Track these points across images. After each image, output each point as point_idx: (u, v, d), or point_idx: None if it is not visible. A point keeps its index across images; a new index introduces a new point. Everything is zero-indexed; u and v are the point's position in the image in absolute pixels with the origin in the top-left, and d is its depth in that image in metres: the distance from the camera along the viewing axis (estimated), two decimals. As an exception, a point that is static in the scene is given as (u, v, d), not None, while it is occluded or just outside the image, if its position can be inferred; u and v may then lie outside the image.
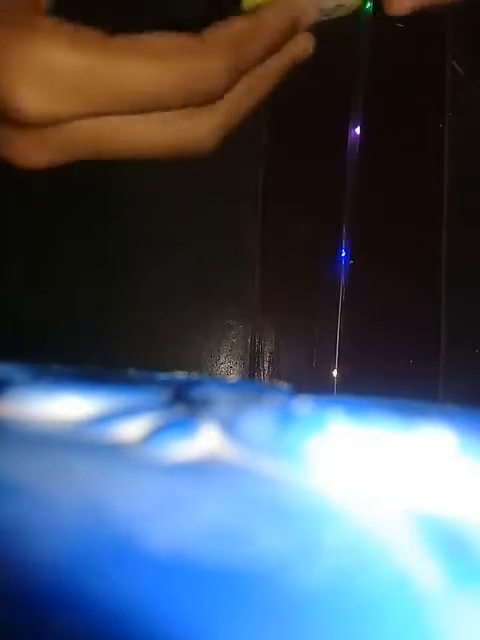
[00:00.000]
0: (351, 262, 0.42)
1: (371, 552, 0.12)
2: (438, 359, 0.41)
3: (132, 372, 0.20)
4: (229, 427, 0.15)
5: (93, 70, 0.23)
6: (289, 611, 0.11)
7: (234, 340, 0.42)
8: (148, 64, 0.24)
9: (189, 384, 0.18)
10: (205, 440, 0.15)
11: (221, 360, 0.42)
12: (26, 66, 0.22)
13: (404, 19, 0.32)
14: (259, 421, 0.15)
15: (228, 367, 0.42)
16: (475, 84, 0.42)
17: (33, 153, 0.25)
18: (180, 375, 0.20)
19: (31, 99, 0.23)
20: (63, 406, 0.16)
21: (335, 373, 0.42)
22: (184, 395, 0.17)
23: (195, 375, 0.20)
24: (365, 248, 0.42)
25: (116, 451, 0.15)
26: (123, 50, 0.24)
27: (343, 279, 0.42)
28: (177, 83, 0.25)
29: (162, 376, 0.19)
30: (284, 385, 0.20)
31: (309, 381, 0.42)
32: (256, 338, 0.42)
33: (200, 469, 0.14)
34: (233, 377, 0.42)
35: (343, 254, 0.42)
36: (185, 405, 0.17)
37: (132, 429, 0.16)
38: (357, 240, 0.38)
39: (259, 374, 0.42)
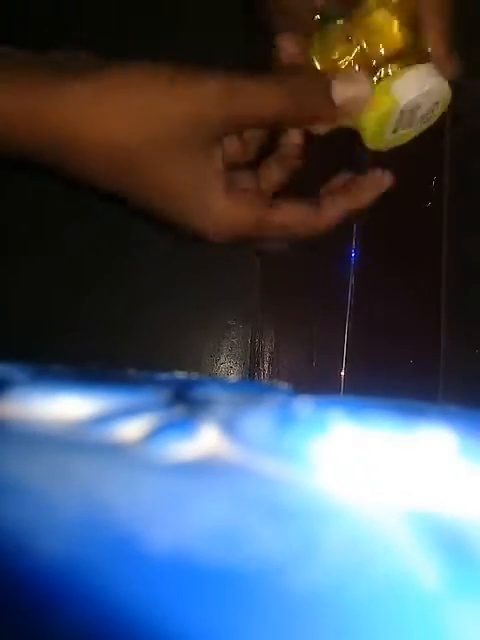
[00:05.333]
0: (353, 263, 0.42)
1: (371, 552, 0.12)
2: (438, 359, 0.41)
3: (132, 372, 0.20)
4: (229, 427, 0.15)
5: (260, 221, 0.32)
6: (289, 611, 0.11)
7: (234, 340, 0.42)
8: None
9: (189, 384, 0.18)
10: (205, 440, 0.15)
11: (221, 360, 0.42)
12: (209, 220, 0.31)
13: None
14: (259, 421, 0.15)
15: (228, 367, 0.42)
16: (475, 84, 0.42)
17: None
18: (180, 375, 0.20)
19: (215, 238, 0.32)
20: (63, 406, 0.16)
21: (335, 373, 0.42)
22: (184, 395, 0.17)
23: (195, 375, 0.20)
24: (366, 249, 0.42)
25: (116, 451, 0.15)
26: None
27: (346, 279, 0.42)
28: None
29: (162, 376, 0.19)
30: (284, 385, 0.20)
31: (309, 381, 0.42)
32: (256, 338, 0.42)
33: (200, 469, 0.14)
34: (233, 377, 0.42)
35: (353, 255, 0.42)
36: (185, 405, 0.17)
37: (132, 429, 0.16)
38: (358, 240, 0.38)
39: (259, 374, 0.42)
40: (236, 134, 0.32)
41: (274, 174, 0.34)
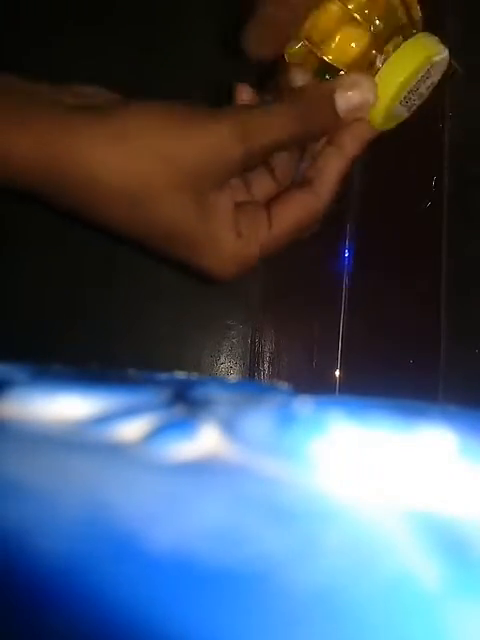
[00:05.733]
0: (353, 262, 0.42)
1: (371, 552, 0.12)
2: (438, 359, 0.41)
3: (132, 372, 0.20)
4: (229, 427, 0.15)
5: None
6: (289, 611, 0.11)
7: (234, 340, 0.42)
8: None
9: (189, 384, 0.18)
10: (205, 440, 0.15)
11: (221, 360, 0.42)
12: (219, 261, 0.31)
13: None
14: (259, 421, 0.15)
15: (228, 367, 0.42)
16: (475, 84, 0.42)
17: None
18: (180, 375, 0.20)
19: (222, 277, 0.32)
20: (63, 406, 0.16)
21: (335, 373, 0.42)
22: (184, 395, 0.17)
23: (195, 375, 0.20)
24: (366, 248, 0.42)
25: (116, 451, 0.15)
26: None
27: (346, 279, 0.42)
28: None
29: (162, 376, 0.19)
30: (284, 385, 0.20)
31: (309, 381, 0.42)
32: (256, 338, 0.42)
33: (200, 469, 0.14)
34: (233, 377, 0.42)
35: (346, 254, 0.42)
36: (185, 405, 0.17)
37: (132, 429, 0.16)
38: (358, 240, 0.38)
39: (259, 374, 0.42)
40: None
41: (268, 183, 0.34)
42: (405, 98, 0.32)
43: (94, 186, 0.28)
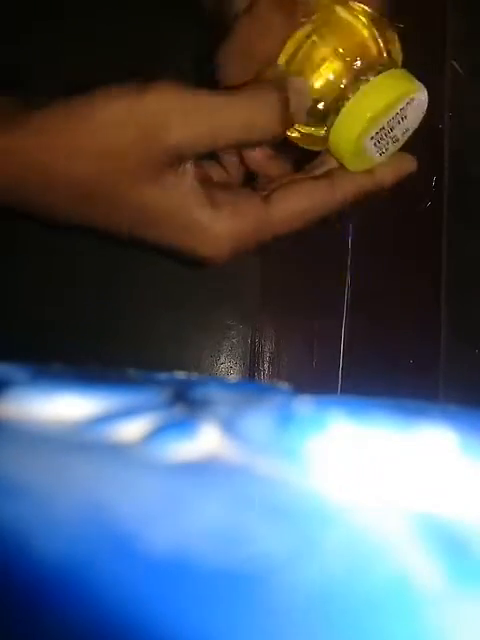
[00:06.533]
0: (353, 262, 0.42)
1: (371, 552, 0.12)
2: (438, 359, 0.41)
3: (132, 372, 0.20)
4: (229, 427, 0.15)
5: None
6: (289, 611, 0.11)
7: (234, 340, 0.42)
8: None
9: (189, 384, 0.18)
10: (205, 440, 0.15)
11: (221, 360, 0.42)
12: (204, 239, 0.30)
13: (404, 19, 0.32)
14: (259, 421, 0.15)
15: (228, 367, 0.42)
16: (475, 84, 0.42)
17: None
18: (180, 375, 0.20)
19: (215, 256, 0.30)
20: (63, 406, 0.16)
21: (335, 373, 0.42)
22: (184, 395, 0.17)
23: (195, 375, 0.20)
24: (366, 248, 0.42)
25: (116, 451, 0.15)
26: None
27: (346, 279, 0.42)
28: None
29: (162, 376, 0.19)
30: (284, 385, 0.20)
31: (309, 381, 0.42)
32: (256, 338, 0.42)
33: (200, 469, 0.14)
34: (233, 377, 0.42)
35: (346, 254, 0.42)
36: (185, 405, 0.17)
37: (132, 429, 0.16)
38: (358, 240, 0.38)
39: (259, 374, 0.42)
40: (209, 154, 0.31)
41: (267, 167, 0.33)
42: (377, 138, 0.30)
43: (45, 174, 0.28)
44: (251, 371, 0.42)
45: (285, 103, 0.29)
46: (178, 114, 0.27)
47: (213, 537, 0.12)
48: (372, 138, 0.30)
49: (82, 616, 0.11)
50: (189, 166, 0.29)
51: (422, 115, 0.31)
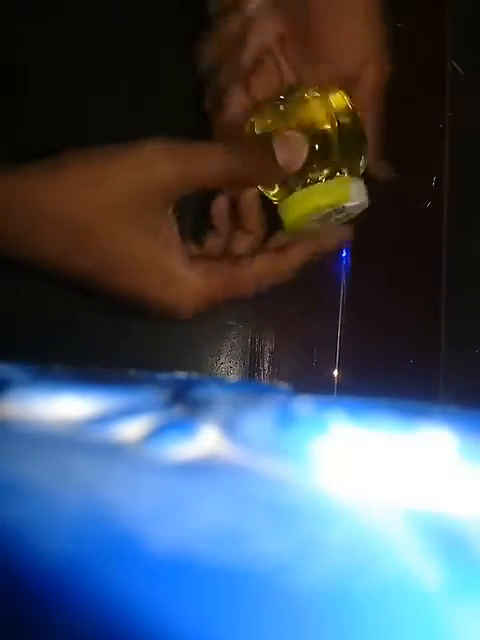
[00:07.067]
0: (353, 263, 0.42)
1: (371, 552, 0.12)
2: (438, 359, 0.41)
3: (132, 372, 0.20)
4: (229, 427, 0.15)
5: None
6: (289, 611, 0.11)
7: (234, 340, 0.42)
8: None
9: (189, 384, 0.18)
10: (205, 440, 0.15)
11: (221, 360, 0.42)
12: (175, 290, 0.31)
13: (404, 19, 0.32)
14: (259, 421, 0.15)
15: (228, 367, 0.42)
16: (475, 84, 0.42)
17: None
18: (180, 375, 0.20)
19: (184, 309, 0.32)
20: (63, 406, 0.16)
21: (335, 373, 0.42)
22: (184, 395, 0.17)
23: (195, 375, 0.20)
24: (366, 248, 0.42)
25: (116, 451, 0.15)
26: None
27: (346, 279, 0.42)
28: None
29: (162, 376, 0.19)
30: (284, 385, 0.20)
31: (309, 381, 0.42)
32: (256, 338, 0.42)
33: (200, 469, 0.14)
34: (233, 377, 0.42)
35: (346, 254, 0.42)
36: (185, 405, 0.17)
37: (132, 429, 0.16)
38: (358, 240, 0.38)
39: (259, 374, 0.42)
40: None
41: (242, 236, 0.35)
42: (315, 220, 0.34)
43: (36, 215, 0.29)
44: (251, 371, 0.42)
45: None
46: (166, 154, 0.29)
47: (214, 537, 0.12)
48: (311, 221, 0.34)
49: (84, 616, 0.11)
50: (173, 218, 0.31)
51: (363, 207, 0.35)
